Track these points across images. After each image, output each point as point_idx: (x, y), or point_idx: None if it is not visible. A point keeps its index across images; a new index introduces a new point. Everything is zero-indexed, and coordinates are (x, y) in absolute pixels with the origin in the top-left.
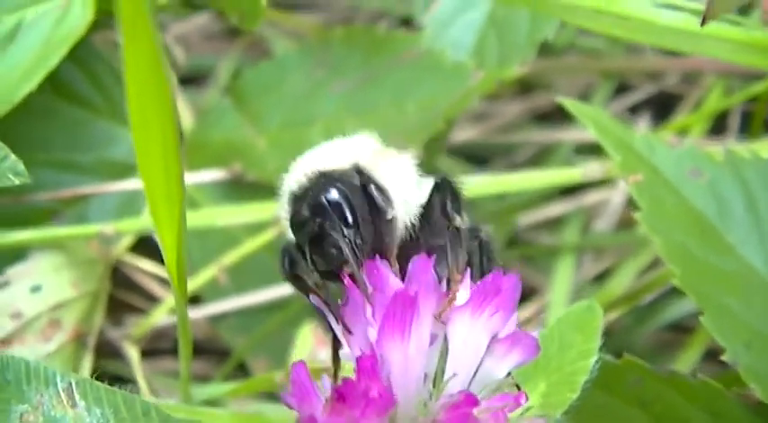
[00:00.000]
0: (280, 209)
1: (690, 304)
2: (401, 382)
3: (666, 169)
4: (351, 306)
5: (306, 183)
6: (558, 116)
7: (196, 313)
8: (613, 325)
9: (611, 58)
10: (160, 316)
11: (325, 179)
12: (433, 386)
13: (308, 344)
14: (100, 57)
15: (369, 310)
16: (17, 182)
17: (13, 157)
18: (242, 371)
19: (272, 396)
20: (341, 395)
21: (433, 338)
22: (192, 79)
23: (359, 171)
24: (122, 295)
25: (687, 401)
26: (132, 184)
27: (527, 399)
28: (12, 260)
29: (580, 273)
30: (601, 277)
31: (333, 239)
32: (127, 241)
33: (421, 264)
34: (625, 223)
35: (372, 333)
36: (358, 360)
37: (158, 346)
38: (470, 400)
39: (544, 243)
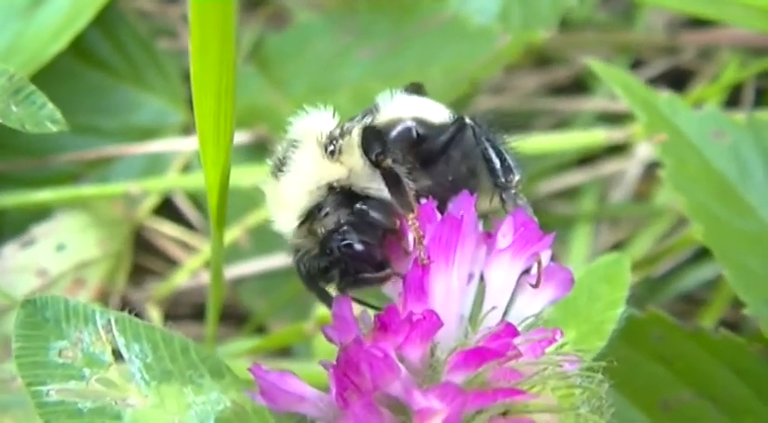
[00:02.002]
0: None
1: (701, 276)
2: (442, 315)
3: (689, 131)
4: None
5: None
6: (575, 89)
7: None
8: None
9: (626, 33)
10: (182, 278)
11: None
12: (469, 323)
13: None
14: (125, 23)
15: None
16: (55, 129)
17: (50, 105)
18: (262, 334)
19: (289, 356)
20: (384, 324)
21: (470, 278)
22: None
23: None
24: (143, 260)
25: (710, 357)
26: (156, 146)
27: (562, 335)
28: (36, 220)
29: (597, 242)
30: (617, 247)
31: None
32: (150, 203)
33: (464, 200)
34: (641, 194)
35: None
36: (403, 288)
37: (177, 312)
38: (510, 330)
39: (561, 212)
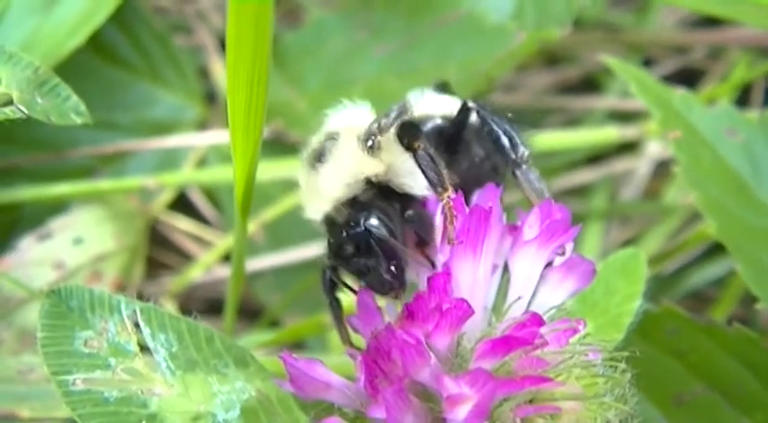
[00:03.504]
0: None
1: (710, 274)
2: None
3: (703, 128)
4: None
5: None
6: (585, 88)
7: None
8: None
9: (637, 33)
10: (197, 273)
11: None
12: (493, 313)
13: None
14: (142, 19)
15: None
16: (79, 121)
17: (74, 97)
18: (276, 329)
19: (303, 350)
20: (412, 312)
21: (494, 269)
22: None
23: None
24: (158, 254)
25: (722, 351)
26: (171, 141)
27: (585, 325)
28: (52, 214)
29: (607, 239)
30: (627, 244)
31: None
32: (165, 198)
33: (489, 192)
34: (651, 192)
35: (443, 256)
36: (430, 278)
37: (191, 306)
38: (536, 319)
39: (572, 210)
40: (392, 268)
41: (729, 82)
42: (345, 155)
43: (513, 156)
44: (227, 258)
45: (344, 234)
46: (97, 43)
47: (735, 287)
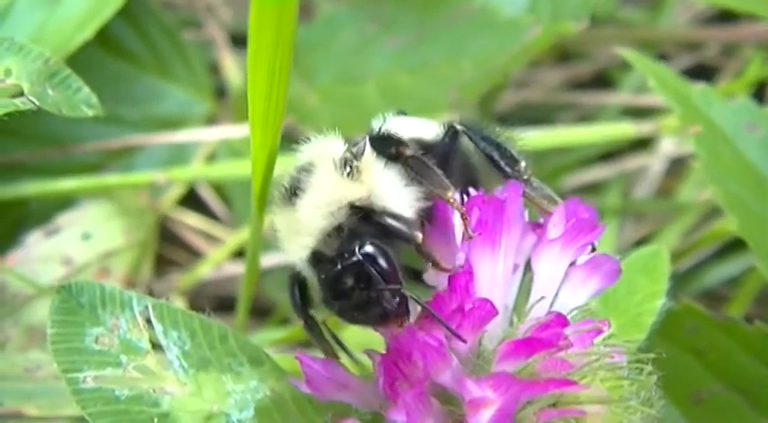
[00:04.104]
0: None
1: (724, 273)
2: None
3: (723, 123)
4: (437, 229)
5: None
6: (598, 85)
7: (241, 268)
8: None
9: (650, 29)
10: (206, 270)
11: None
12: (514, 313)
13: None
14: (151, 13)
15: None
16: (90, 113)
17: (86, 89)
18: (285, 327)
19: (313, 349)
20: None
21: (515, 268)
22: (239, 40)
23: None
24: (167, 251)
25: (742, 350)
26: (180, 136)
27: (609, 326)
28: (59, 210)
29: (621, 237)
30: (641, 242)
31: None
32: (175, 194)
33: (510, 188)
34: (665, 190)
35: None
36: (451, 277)
37: (200, 304)
38: (560, 320)
39: None
40: (396, 296)
41: (743, 79)
42: (324, 183)
43: (511, 170)
44: (236, 255)
45: (339, 266)
46: (105, 37)
47: (750, 286)
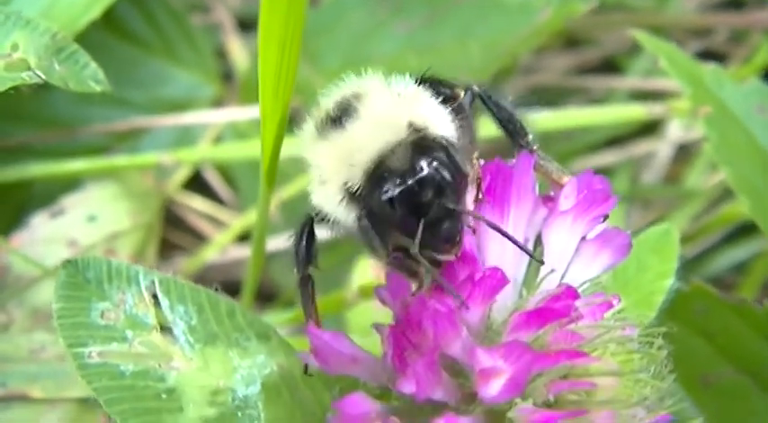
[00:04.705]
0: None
1: (731, 259)
2: None
3: (734, 104)
4: None
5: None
6: (605, 70)
7: (247, 251)
8: None
9: (657, 15)
10: (211, 253)
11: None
12: (524, 287)
13: (366, 274)
14: None
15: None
16: (98, 88)
17: (93, 64)
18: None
19: None
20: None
21: (526, 242)
22: (246, 24)
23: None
24: (172, 235)
25: (752, 331)
26: (187, 118)
27: (620, 301)
28: (63, 192)
29: (628, 223)
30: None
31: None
32: (181, 176)
33: (521, 159)
34: (672, 176)
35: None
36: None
37: None
38: (571, 292)
39: None
40: (463, 217)
41: (752, 64)
42: (382, 102)
43: (522, 140)
44: (241, 239)
45: (417, 178)
46: (112, 20)
47: (757, 272)
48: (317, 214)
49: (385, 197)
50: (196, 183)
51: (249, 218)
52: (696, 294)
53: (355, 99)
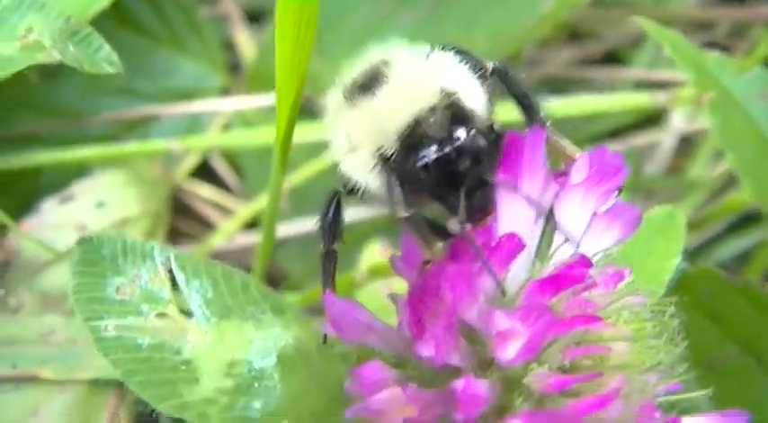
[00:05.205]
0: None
1: (733, 249)
2: None
3: (737, 91)
4: None
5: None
6: (608, 64)
7: (254, 238)
8: None
9: (659, 9)
10: (218, 241)
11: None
12: (537, 258)
13: (375, 256)
14: None
15: None
16: (111, 70)
17: (107, 47)
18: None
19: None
20: (455, 252)
21: (538, 216)
22: (254, 17)
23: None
24: (179, 222)
25: (758, 314)
26: (195, 106)
27: (630, 273)
28: (72, 181)
29: None
30: None
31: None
32: (189, 165)
33: (534, 133)
34: (675, 168)
35: None
36: None
37: None
38: (585, 260)
39: None
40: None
41: (753, 58)
42: (412, 69)
43: (536, 116)
44: (248, 227)
45: (456, 145)
46: (120, 11)
47: (760, 261)
48: (344, 185)
49: (421, 163)
50: (204, 171)
51: (256, 205)
52: (702, 277)
53: (384, 65)
